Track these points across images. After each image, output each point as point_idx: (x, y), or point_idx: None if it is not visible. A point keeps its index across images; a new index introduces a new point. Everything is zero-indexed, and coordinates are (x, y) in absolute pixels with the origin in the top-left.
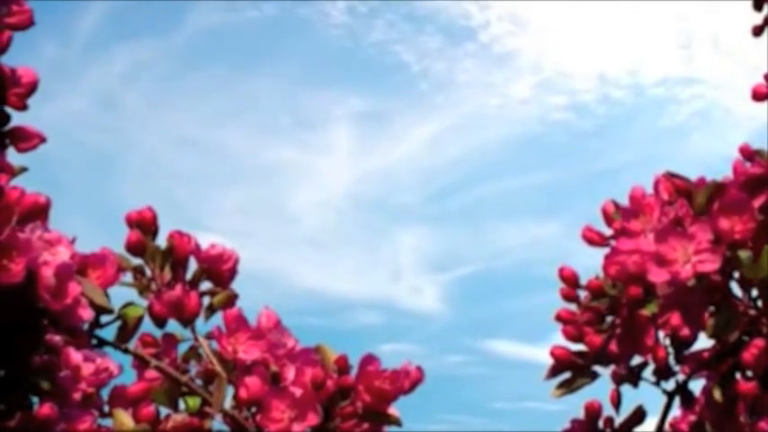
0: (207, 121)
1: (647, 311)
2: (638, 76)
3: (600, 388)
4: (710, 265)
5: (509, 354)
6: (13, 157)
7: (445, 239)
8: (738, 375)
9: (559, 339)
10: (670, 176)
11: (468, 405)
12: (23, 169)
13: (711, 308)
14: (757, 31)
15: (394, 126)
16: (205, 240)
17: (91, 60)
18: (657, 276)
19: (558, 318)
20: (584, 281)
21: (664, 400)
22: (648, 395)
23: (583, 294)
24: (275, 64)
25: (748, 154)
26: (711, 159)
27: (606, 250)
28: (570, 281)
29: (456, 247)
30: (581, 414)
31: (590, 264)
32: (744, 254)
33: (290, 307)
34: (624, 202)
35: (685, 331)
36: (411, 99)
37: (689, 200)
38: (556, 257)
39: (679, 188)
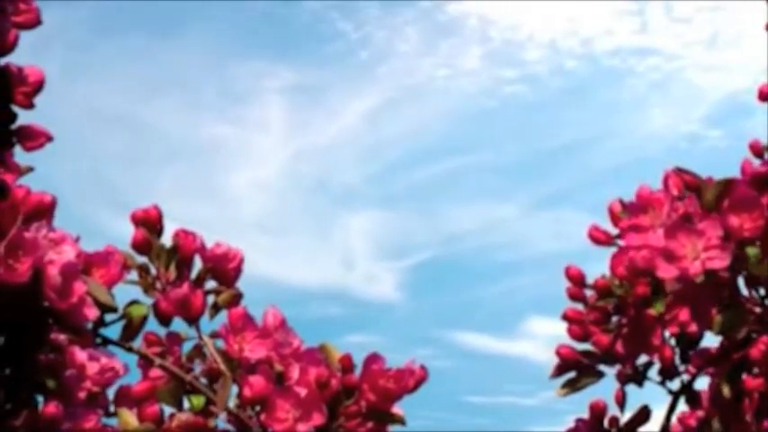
0: (129, 95)
1: (653, 311)
2: (591, 45)
3: (603, 387)
4: (720, 261)
5: (477, 346)
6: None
7: (396, 223)
8: (745, 373)
9: (528, 332)
10: (680, 172)
11: (443, 400)
12: (30, 168)
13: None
14: None
15: (330, 99)
16: None
17: None
18: (666, 272)
19: (565, 317)
20: (540, 264)
21: (668, 399)
22: (652, 394)
23: (589, 293)
24: (198, 32)
25: (758, 150)
26: (675, 138)
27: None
28: (576, 280)
29: (409, 232)
30: (560, 409)
31: (552, 249)
32: (751, 251)
33: (245, 297)
34: (585, 180)
35: (693, 327)
36: (349, 70)
37: (698, 196)
38: (516, 242)
39: (688, 184)
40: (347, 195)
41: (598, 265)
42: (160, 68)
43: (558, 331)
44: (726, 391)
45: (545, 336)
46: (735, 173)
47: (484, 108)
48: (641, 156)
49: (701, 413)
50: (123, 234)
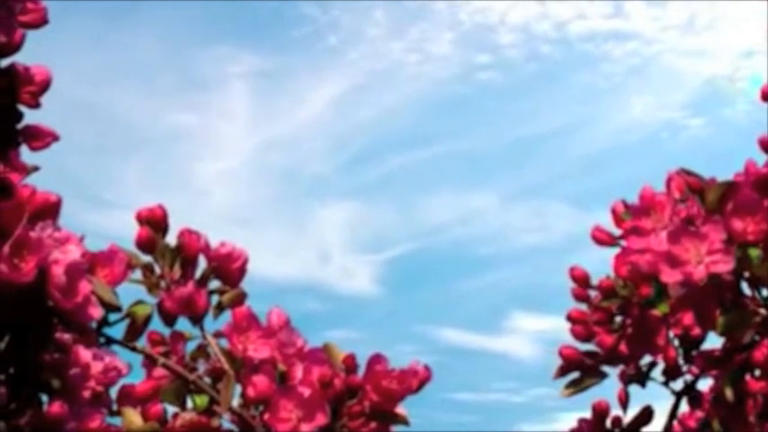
0: (86, 82)
1: (658, 311)
2: (565, 29)
3: (604, 387)
4: (724, 265)
5: (461, 342)
6: None
7: (370, 215)
8: (748, 375)
9: (512, 327)
10: (683, 173)
11: (428, 397)
12: (35, 168)
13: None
14: None
15: (297, 85)
16: (115, 217)
17: None
18: (670, 277)
19: (569, 317)
20: (521, 258)
21: (672, 399)
22: (655, 395)
23: (593, 294)
24: (155, 14)
25: (767, 145)
26: (654, 124)
27: (615, 250)
28: (581, 281)
29: (384, 224)
30: (548, 406)
31: (532, 241)
32: (754, 253)
33: None
34: (563, 169)
35: (696, 331)
36: (317, 55)
37: (701, 198)
38: (495, 234)
39: (691, 186)
40: (319, 185)
41: (580, 258)
42: (116, 54)
43: (541, 327)
44: (728, 393)
45: (529, 332)
46: (715, 160)
47: (457, 94)
48: (620, 144)
49: (700, 414)
50: (93, 227)
